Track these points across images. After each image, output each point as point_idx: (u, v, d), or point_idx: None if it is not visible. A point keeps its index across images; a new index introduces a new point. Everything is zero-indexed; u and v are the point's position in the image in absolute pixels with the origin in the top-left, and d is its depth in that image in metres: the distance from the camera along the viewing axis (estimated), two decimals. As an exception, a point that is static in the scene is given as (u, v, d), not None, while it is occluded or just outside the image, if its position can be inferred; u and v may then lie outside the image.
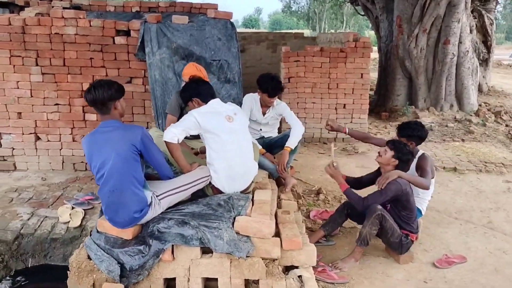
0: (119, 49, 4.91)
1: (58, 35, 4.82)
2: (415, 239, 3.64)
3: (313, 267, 3.31)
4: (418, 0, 8.65)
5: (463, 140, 7.64)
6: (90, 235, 3.00)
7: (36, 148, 5.13)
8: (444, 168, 6.09)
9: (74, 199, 4.36)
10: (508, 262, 3.63)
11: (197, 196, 3.27)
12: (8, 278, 3.68)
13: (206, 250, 2.89)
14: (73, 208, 4.18)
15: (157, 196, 2.93)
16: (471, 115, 8.82)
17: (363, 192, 3.74)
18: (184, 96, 3.40)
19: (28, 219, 4.06)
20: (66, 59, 4.89)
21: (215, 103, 3.27)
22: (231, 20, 4.99)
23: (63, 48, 4.87)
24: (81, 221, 4.02)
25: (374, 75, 12.23)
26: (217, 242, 2.77)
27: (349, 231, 4.13)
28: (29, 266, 3.85)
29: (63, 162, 5.19)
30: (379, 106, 10.10)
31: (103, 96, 2.70)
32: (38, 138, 5.14)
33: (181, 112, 3.91)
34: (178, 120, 3.86)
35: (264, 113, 4.36)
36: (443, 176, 5.80)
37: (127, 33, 4.92)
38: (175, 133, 3.08)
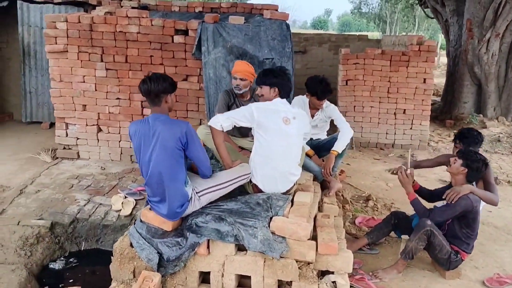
0: (177, 48, 5.10)
1: (122, 33, 5.10)
2: (465, 258, 3.43)
3: (351, 275, 3.27)
4: (491, 2, 8.12)
5: (534, 153, 7.08)
6: (134, 224, 3.15)
7: (98, 139, 5.46)
8: (508, 182, 5.70)
9: (127, 189, 4.59)
10: None
11: (237, 192, 3.32)
12: (62, 258, 3.95)
13: (241, 248, 2.92)
14: (125, 197, 4.40)
15: (197, 192, 3.00)
16: (545, 127, 8.15)
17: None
18: (267, 80, 3.28)
19: (85, 205, 4.34)
20: (128, 56, 5.17)
21: (280, 102, 3.24)
22: (287, 22, 4.99)
23: (126, 46, 5.14)
24: (132, 210, 4.23)
25: (443, 81, 11.67)
26: (251, 241, 2.80)
27: (395, 241, 3.98)
28: (82, 249, 4.12)
29: (121, 153, 5.48)
30: (445, 113, 9.61)
31: (157, 88, 2.81)
32: (100, 130, 5.47)
33: (229, 109, 3.97)
34: None
35: (313, 116, 4.32)
36: (507, 191, 5.43)
37: (185, 32, 5.10)
38: (220, 119, 3.14)
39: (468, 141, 3.69)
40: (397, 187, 5.53)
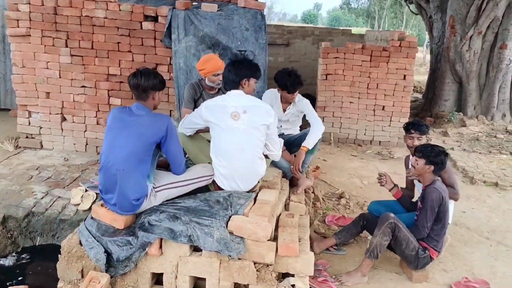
0: (146, 35, 4.88)
1: (88, 18, 4.86)
2: (435, 257, 3.31)
3: (315, 276, 3.13)
4: (474, -1, 8.05)
5: (511, 153, 7.03)
6: (85, 221, 2.95)
7: (62, 129, 5.22)
8: (484, 182, 5.62)
9: (89, 182, 4.37)
10: (538, 294, 3.24)
11: (201, 191, 3.14)
12: (14, 254, 3.74)
13: (197, 248, 2.75)
14: (86, 191, 4.19)
15: (154, 188, 2.83)
16: (525, 127, 8.13)
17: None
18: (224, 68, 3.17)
19: (42, 198, 4.12)
20: (95, 42, 4.93)
21: (230, 96, 3.04)
22: (262, 11, 4.79)
23: (92, 31, 4.91)
24: (91, 205, 4.01)
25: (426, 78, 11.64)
26: (206, 239, 2.62)
27: (364, 241, 3.85)
28: (37, 244, 3.90)
29: (86, 144, 5.25)
30: (425, 110, 9.58)
31: (147, 83, 2.74)
32: (64, 119, 5.23)
33: (195, 104, 3.79)
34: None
35: (284, 110, 4.15)
36: (482, 191, 5.35)
37: (155, 19, 4.88)
38: (183, 130, 3.19)
39: (423, 129, 3.59)
40: (371, 185, 5.44)
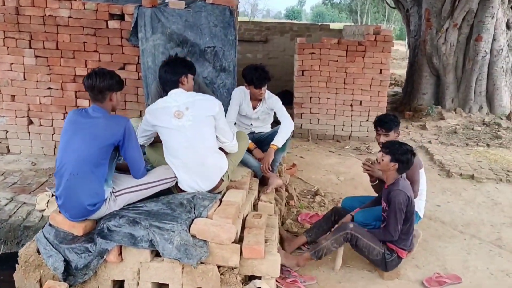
0: (113, 34, 4.75)
1: (52, 17, 4.70)
2: (405, 256, 3.26)
3: (284, 277, 3.07)
4: (449, -8, 8.07)
5: (488, 145, 7.08)
6: (43, 228, 2.84)
7: (29, 132, 5.06)
8: (460, 175, 5.61)
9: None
10: (509, 286, 3.22)
11: (164, 194, 3.04)
12: (-25, 264, 3.60)
13: (159, 253, 2.66)
14: (52, 195, 4.05)
15: (113, 192, 2.73)
16: (501, 119, 8.18)
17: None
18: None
19: (6, 205, 3.98)
20: (59, 42, 4.78)
21: (171, 95, 2.97)
22: (230, 7, 4.68)
23: (56, 31, 4.75)
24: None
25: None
26: (165, 246, 2.54)
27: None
28: (0, 253, 3.76)
29: (55, 147, 5.10)
30: (404, 104, 9.59)
31: (103, 84, 2.65)
32: (30, 122, 5.07)
33: None
34: None
35: (254, 107, 4.07)
36: (458, 184, 5.34)
37: (121, 17, 4.74)
38: (141, 141, 3.07)
39: (389, 126, 3.50)
40: (347, 181, 5.40)
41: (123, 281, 2.70)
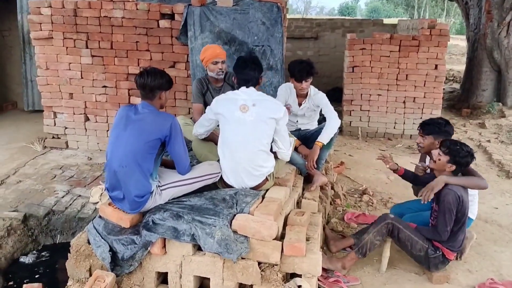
0: (163, 33, 4.89)
1: (107, 18, 4.92)
2: (455, 259, 3.10)
3: (327, 277, 3.02)
4: (512, -18, 7.56)
5: (553, 145, 6.56)
6: (93, 220, 2.97)
7: (86, 128, 5.33)
8: (522, 175, 5.26)
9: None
10: None
11: (209, 188, 3.09)
12: (34, 252, 3.83)
13: (201, 247, 2.70)
14: (106, 189, 4.24)
15: (159, 186, 2.82)
16: None
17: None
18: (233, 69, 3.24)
19: (63, 197, 4.21)
20: (114, 42, 4.99)
21: (242, 90, 3.03)
22: (278, 4, 4.67)
23: (111, 31, 4.97)
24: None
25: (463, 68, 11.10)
26: (207, 240, 2.57)
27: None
28: (57, 242, 3.99)
29: (109, 143, 5.33)
30: (462, 101, 9.12)
31: (154, 83, 2.76)
32: (87, 119, 5.33)
33: (204, 99, 3.76)
34: (205, 105, 3.78)
35: (300, 104, 4.02)
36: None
37: (171, 16, 4.87)
38: (196, 131, 3.22)
39: (427, 129, 3.33)
40: (398, 180, 5.20)
41: (166, 273, 2.78)
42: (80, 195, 4.25)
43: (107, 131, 5.29)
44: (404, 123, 6.99)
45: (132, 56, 4.98)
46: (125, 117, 2.78)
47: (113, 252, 2.72)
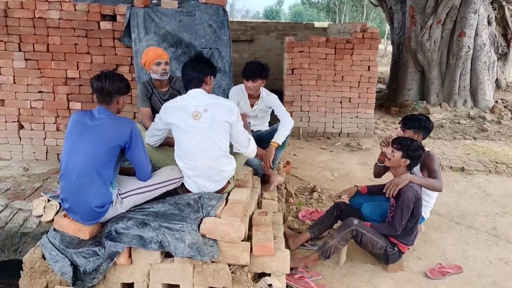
0: (105, 35, 4.69)
1: (42, 20, 4.62)
2: (406, 251, 3.30)
3: (291, 274, 3.08)
4: (432, -11, 8.21)
5: (475, 138, 7.24)
6: (47, 233, 2.79)
7: (20, 137, 4.96)
8: (451, 167, 5.73)
9: (52, 191, 4.15)
10: (509, 274, 3.30)
11: (169, 194, 3.02)
12: (-28, 272, 3.51)
13: (168, 254, 2.65)
14: (48, 201, 3.98)
15: (120, 194, 2.71)
16: (485, 112, 8.38)
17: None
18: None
19: (1, 211, 3.89)
20: (50, 44, 4.70)
21: (191, 95, 2.95)
22: (223, 6, 4.68)
23: (47, 33, 4.67)
24: (55, 215, 3.82)
25: (389, 69, 11.80)
26: (177, 245, 2.52)
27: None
28: (-2, 261, 3.68)
29: (47, 152, 5.01)
30: (390, 100, 9.72)
31: (112, 87, 2.64)
32: (21, 127, 4.97)
33: (150, 102, 3.68)
34: (152, 108, 3.71)
35: (252, 105, 4.08)
36: (449, 177, 5.44)
37: (113, 18, 4.69)
38: (147, 140, 3.11)
39: (408, 124, 3.54)
40: (342, 177, 5.45)
41: (131, 284, 2.69)
42: (20, 209, 3.95)
43: (44, 139, 4.98)
44: (341, 122, 7.30)
45: (70, 59, 4.72)
46: (80, 123, 2.64)
47: (73, 266, 2.57)
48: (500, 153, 6.40)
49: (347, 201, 3.72)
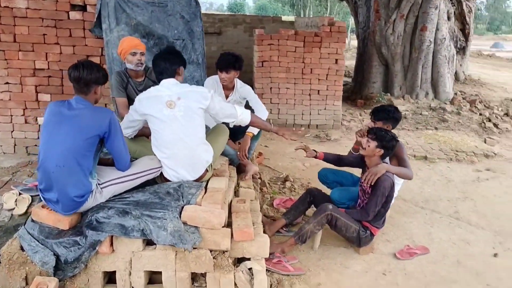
0: (74, 25, 4.61)
1: (8, 9, 4.50)
2: (376, 233, 3.47)
3: (269, 258, 3.18)
4: (396, -16, 8.47)
5: (436, 128, 7.57)
6: (25, 225, 2.76)
7: (-15, 130, 4.82)
8: (414, 156, 6.00)
9: (22, 184, 4.08)
10: (471, 254, 3.53)
11: (148, 184, 3.05)
12: None
13: (150, 242, 2.69)
14: (20, 194, 3.91)
15: (99, 184, 2.72)
16: (446, 104, 8.75)
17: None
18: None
19: (-30, 206, 3.78)
20: (17, 34, 4.58)
21: (164, 85, 2.98)
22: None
23: (13, 23, 4.55)
24: (27, 208, 3.76)
25: (353, 63, 12.08)
26: (159, 233, 2.57)
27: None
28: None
29: (15, 145, 4.90)
30: (355, 93, 9.96)
31: (90, 76, 2.62)
32: (-13, 119, 4.83)
33: (126, 92, 3.68)
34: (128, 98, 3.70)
35: (227, 97, 4.13)
36: (413, 165, 5.63)
37: (83, 8, 4.62)
38: (127, 134, 3.09)
39: (377, 115, 3.70)
40: (313, 167, 5.60)
41: (112, 272, 2.71)
42: (-10, 203, 3.85)
43: (12, 131, 4.86)
44: (310, 114, 7.47)
45: (39, 50, 4.62)
46: (58, 113, 2.63)
47: (55, 256, 2.57)
48: (460, 142, 6.74)
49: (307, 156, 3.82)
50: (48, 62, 4.67)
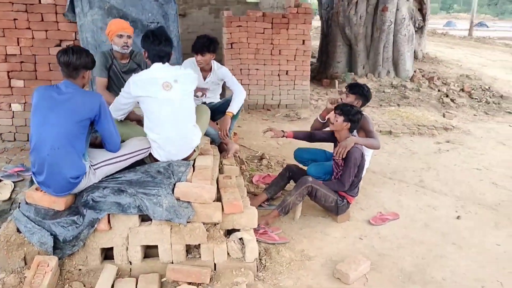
0: (46, 9, 4.56)
1: (-25, -7, 4.38)
2: (352, 202, 3.75)
3: (254, 230, 3.38)
4: (357, -34, 8.70)
5: (398, 105, 7.96)
6: (19, 207, 2.83)
7: (-42, 118, 4.73)
8: (380, 131, 6.33)
9: (2, 171, 4.09)
10: (436, 217, 3.87)
11: (137, 164, 3.16)
12: None
13: (145, 218, 2.83)
14: (1, 180, 3.93)
15: (92, 165, 2.81)
16: (406, 81, 9.16)
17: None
18: (142, 45, 3.11)
19: (-48, 195, 3.76)
20: (-14, 20, 4.48)
21: (156, 68, 3.05)
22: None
23: (-19, 7, 4.44)
24: (11, 194, 3.79)
25: (316, 43, 12.32)
26: (156, 209, 2.71)
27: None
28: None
29: (-12, 132, 4.83)
30: (321, 73, 10.22)
31: (79, 61, 2.70)
32: (-41, 107, 4.73)
33: (109, 72, 3.74)
34: (108, 80, 3.76)
35: (204, 78, 4.25)
36: (380, 139, 6.00)
37: (54, -9, 4.56)
38: (117, 116, 3.14)
39: (352, 89, 3.94)
40: (286, 144, 5.83)
41: (108, 249, 2.83)
42: (-29, 190, 3.85)
43: (-16, 119, 4.78)
44: (280, 94, 7.67)
45: (10, 35, 4.54)
46: (48, 97, 2.69)
47: (53, 236, 2.67)
48: (421, 117, 7.15)
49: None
50: (20, 47, 4.61)
